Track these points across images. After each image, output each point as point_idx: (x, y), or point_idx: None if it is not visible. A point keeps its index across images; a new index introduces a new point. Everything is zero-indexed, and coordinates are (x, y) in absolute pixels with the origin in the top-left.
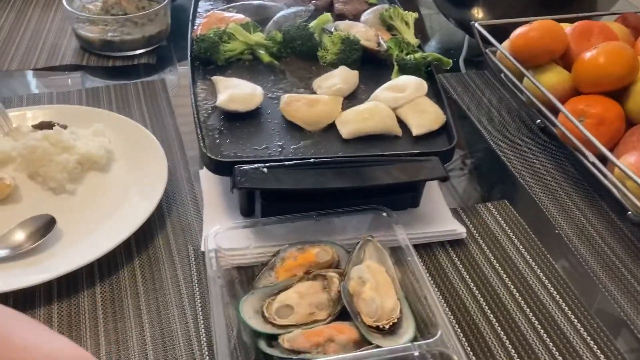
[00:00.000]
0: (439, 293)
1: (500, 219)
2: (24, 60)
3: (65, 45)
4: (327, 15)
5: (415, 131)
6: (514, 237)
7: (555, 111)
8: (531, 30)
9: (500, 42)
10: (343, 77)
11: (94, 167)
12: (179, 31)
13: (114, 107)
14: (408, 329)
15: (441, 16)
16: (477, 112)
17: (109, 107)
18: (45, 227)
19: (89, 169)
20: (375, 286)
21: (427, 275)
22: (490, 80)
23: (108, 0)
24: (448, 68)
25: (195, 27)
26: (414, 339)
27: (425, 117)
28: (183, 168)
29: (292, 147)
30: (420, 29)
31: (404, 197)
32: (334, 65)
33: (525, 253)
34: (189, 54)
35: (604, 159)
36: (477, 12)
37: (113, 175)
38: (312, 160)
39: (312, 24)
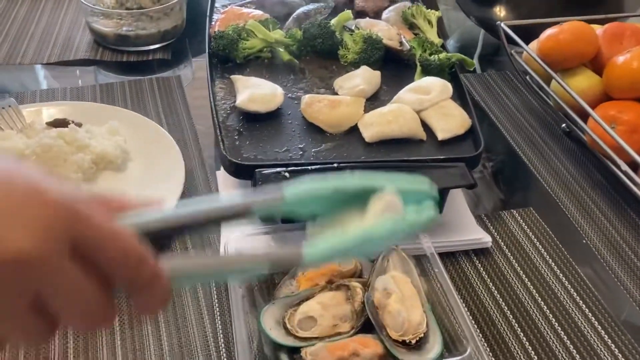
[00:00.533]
0: (464, 304)
1: (526, 227)
2: (36, 53)
3: (79, 39)
4: (348, 13)
5: (441, 135)
6: (540, 246)
7: (584, 116)
8: (562, 32)
9: (526, 42)
10: (365, 78)
11: (109, 167)
12: (194, 26)
13: (129, 104)
14: (435, 344)
15: (456, 12)
16: (499, 114)
17: (123, 103)
18: None
19: (104, 169)
20: (401, 298)
21: (454, 286)
22: (512, 81)
23: None
24: (471, 69)
25: (212, 23)
26: (441, 355)
27: (451, 120)
28: (200, 168)
29: (313, 150)
30: (439, 26)
31: None
32: (355, 64)
33: (552, 263)
34: (206, 50)
35: (635, 168)
36: (500, 11)
37: (128, 175)
38: (335, 165)
39: (332, 22)
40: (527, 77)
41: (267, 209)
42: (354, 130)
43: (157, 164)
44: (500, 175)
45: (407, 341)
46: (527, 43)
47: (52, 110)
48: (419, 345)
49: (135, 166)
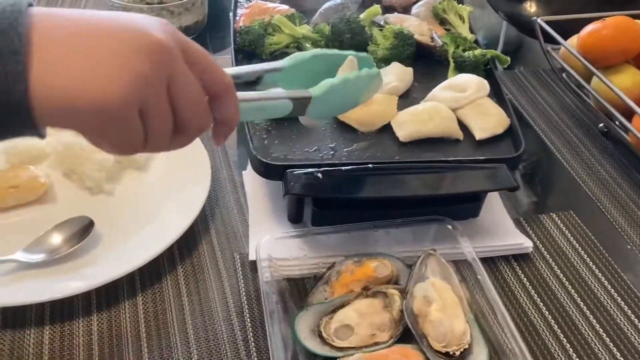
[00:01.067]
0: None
1: (567, 231)
2: None
3: None
4: (377, 8)
5: (479, 135)
6: (582, 251)
7: (628, 115)
8: (604, 27)
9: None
10: (398, 75)
11: (133, 166)
12: (216, 21)
13: None
14: (479, 356)
15: (478, 8)
16: (532, 112)
17: None
18: (83, 230)
19: (127, 167)
20: (442, 307)
21: (499, 296)
22: (546, 79)
23: None
24: (505, 66)
25: (237, 18)
26: None
27: (489, 119)
28: (225, 168)
29: (345, 149)
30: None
31: (466, 207)
32: (385, 61)
33: (596, 269)
34: (232, 46)
35: None
36: (530, 7)
37: (152, 175)
38: (370, 165)
39: (361, 16)
40: (564, 75)
41: (272, 76)
42: (387, 128)
43: (182, 162)
44: (537, 177)
45: (451, 352)
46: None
47: None
48: (462, 356)
49: (159, 165)
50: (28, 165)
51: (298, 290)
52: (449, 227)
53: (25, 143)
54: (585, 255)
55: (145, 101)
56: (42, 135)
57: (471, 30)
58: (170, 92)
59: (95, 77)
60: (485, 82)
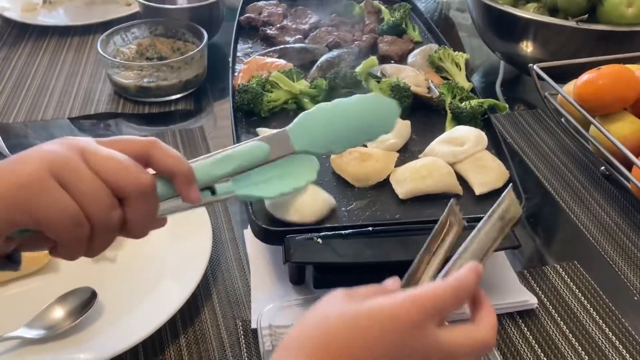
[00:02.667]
0: None
1: (572, 284)
2: (58, 108)
3: (100, 90)
4: (373, 59)
5: (478, 190)
6: (588, 304)
7: (627, 163)
8: (600, 77)
9: (556, 80)
10: (396, 130)
11: None
12: (215, 71)
13: None
14: None
15: (477, 40)
16: (533, 156)
17: None
18: (86, 302)
19: None
20: None
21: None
22: (545, 120)
23: (142, 42)
24: (504, 113)
25: (235, 74)
26: None
27: (488, 173)
28: (227, 228)
29: (344, 209)
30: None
31: None
32: None
33: (602, 323)
34: (230, 105)
35: None
36: (527, 46)
37: (154, 239)
38: (369, 228)
39: (357, 69)
40: (563, 120)
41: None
42: (385, 184)
43: (183, 224)
44: (539, 224)
45: None
46: (560, 81)
47: None
48: None
49: (161, 228)
50: None
51: None
52: None
53: None
54: (591, 309)
55: (58, 175)
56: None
57: (468, 78)
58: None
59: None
60: (483, 134)
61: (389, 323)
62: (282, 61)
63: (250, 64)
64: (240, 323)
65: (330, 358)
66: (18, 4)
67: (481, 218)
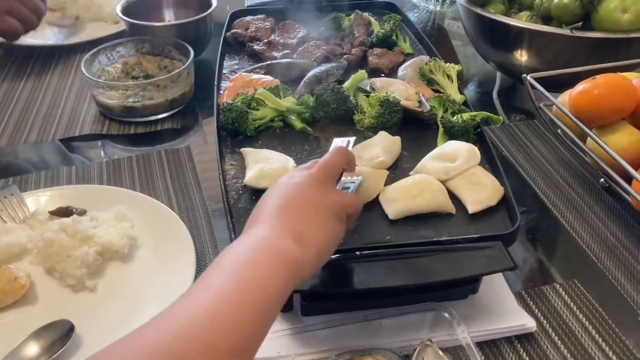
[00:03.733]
0: None
1: (572, 304)
2: (42, 131)
3: (85, 111)
4: (362, 73)
5: (472, 208)
6: (589, 326)
7: (627, 176)
8: (596, 87)
9: (552, 88)
10: (385, 147)
11: (116, 257)
12: (203, 88)
13: (137, 181)
14: None
15: (471, 47)
16: (529, 169)
17: (131, 180)
18: (63, 335)
19: (110, 259)
20: None
21: None
22: (542, 131)
23: (128, 61)
24: (498, 125)
25: (221, 92)
26: None
27: (481, 190)
28: (212, 251)
29: None
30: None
31: (463, 288)
32: (372, 129)
33: (605, 346)
34: (215, 124)
35: None
36: (521, 55)
37: (136, 266)
38: (357, 253)
39: (346, 85)
40: (559, 131)
41: None
42: (375, 204)
43: (166, 250)
44: (536, 240)
45: None
46: (555, 90)
47: (55, 196)
48: None
49: (143, 253)
50: (8, 266)
51: None
52: (445, 315)
53: (7, 241)
54: (593, 330)
55: None
56: None
57: (460, 90)
58: None
59: None
60: (476, 149)
61: (308, 184)
62: (268, 77)
63: (236, 81)
64: None
65: (283, 216)
66: None
67: (474, 240)
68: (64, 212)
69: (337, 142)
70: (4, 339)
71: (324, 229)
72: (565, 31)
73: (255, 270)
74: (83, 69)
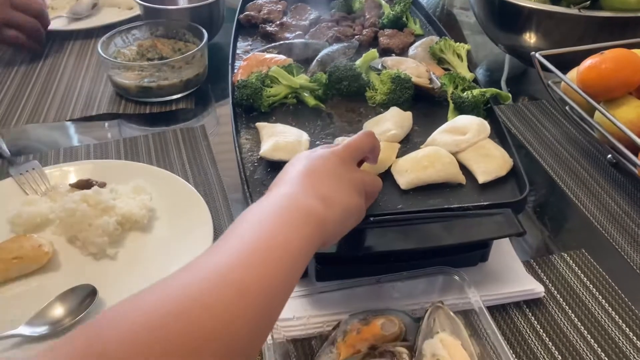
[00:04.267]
0: None
1: (580, 271)
2: (60, 110)
3: (102, 92)
4: (374, 52)
5: (482, 179)
6: (597, 292)
7: (634, 149)
8: (603, 61)
9: (560, 69)
10: (397, 121)
11: (135, 227)
12: (216, 72)
13: (153, 157)
14: None
15: (481, 37)
16: (538, 146)
17: (148, 157)
18: (86, 298)
19: (129, 229)
20: None
21: (509, 349)
22: (550, 110)
23: (143, 43)
24: (506, 103)
25: (235, 71)
26: None
27: (491, 162)
28: (228, 221)
29: None
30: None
31: (474, 254)
32: (383, 105)
33: (611, 310)
34: (230, 101)
35: None
36: (530, 37)
37: (155, 236)
38: (371, 219)
39: (357, 63)
40: (567, 108)
41: None
42: (387, 175)
43: (184, 221)
44: (545, 213)
45: None
46: (564, 70)
47: (75, 170)
48: None
49: (162, 224)
50: (31, 234)
51: (304, 352)
52: (456, 277)
53: (29, 211)
54: (600, 296)
55: None
56: None
57: (470, 69)
58: None
59: None
60: (486, 123)
61: (332, 159)
62: (281, 56)
63: (250, 60)
64: None
65: (307, 179)
66: None
67: (484, 207)
68: (84, 184)
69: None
70: (30, 302)
71: (348, 197)
72: (574, 11)
73: (282, 224)
74: (100, 50)
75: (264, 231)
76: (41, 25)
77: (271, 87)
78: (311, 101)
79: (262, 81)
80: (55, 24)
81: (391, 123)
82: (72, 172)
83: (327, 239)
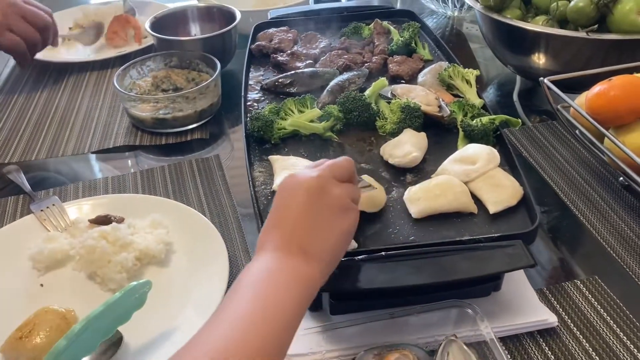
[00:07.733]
0: None
1: (593, 299)
2: (78, 143)
3: (118, 123)
4: (383, 81)
5: (492, 209)
6: (611, 321)
7: None
8: (612, 88)
9: (570, 90)
10: (415, 143)
11: (153, 262)
12: (230, 99)
13: (170, 189)
14: None
15: (489, 50)
16: (549, 168)
17: (164, 188)
18: (112, 345)
19: (147, 264)
20: None
21: None
22: (561, 132)
23: (157, 74)
24: (517, 128)
25: (248, 103)
26: None
27: (502, 191)
28: (243, 254)
29: (358, 233)
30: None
31: (486, 286)
32: (394, 134)
33: (627, 340)
34: (243, 133)
35: None
36: (539, 58)
37: (172, 269)
38: (382, 253)
39: (367, 92)
40: (577, 132)
41: None
42: (398, 203)
43: (200, 253)
44: (558, 240)
45: None
46: (574, 92)
47: (93, 205)
48: None
49: (179, 258)
50: (51, 307)
51: None
52: (469, 311)
53: (51, 248)
54: (615, 325)
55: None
56: None
57: (479, 94)
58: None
59: None
60: (495, 152)
61: (302, 195)
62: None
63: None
64: None
65: (277, 220)
66: None
67: (495, 239)
68: (103, 220)
69: None
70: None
71: (331, 233)
72: (582, 34)
73: (274, 291)
74: (115, 84)
75: (258, 300)
76: (42, 40)
77: (285, 119)
78: (324, 133)
79: (276, 112)
80: (72, 56)
81: (410, 145)
82: (91, 207)
83: (318, 287)
